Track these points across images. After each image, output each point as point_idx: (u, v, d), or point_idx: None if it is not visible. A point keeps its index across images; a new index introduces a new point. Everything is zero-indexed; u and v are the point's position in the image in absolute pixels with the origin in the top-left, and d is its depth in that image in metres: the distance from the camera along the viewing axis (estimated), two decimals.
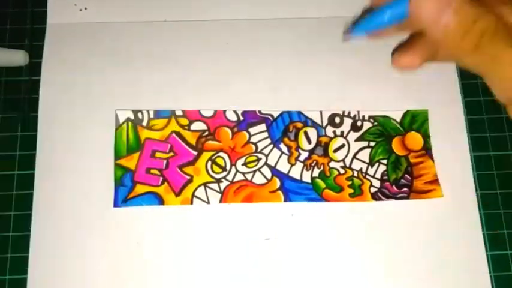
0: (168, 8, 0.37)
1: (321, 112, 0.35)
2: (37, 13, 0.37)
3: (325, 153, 0.34)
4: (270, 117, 0.35)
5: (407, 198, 0.33)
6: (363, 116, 0.35)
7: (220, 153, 0.34)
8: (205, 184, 0.33)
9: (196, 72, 0.35)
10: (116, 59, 0.35)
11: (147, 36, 0.36)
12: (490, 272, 0.33)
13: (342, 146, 0.34)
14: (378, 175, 0.34)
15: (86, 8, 0.37)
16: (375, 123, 0.35)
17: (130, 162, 0.33)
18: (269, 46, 0.36)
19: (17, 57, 0.35)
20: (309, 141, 0.34)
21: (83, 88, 0.35)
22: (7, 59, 0.35)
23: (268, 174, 0.34)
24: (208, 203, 0.33)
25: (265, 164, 0.34)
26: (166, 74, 0.35)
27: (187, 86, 0.35)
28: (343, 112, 0.35)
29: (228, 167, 0.34)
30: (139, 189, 0.33)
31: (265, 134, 0.34)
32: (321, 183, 0.34)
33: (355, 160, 0.34)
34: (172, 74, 0.35)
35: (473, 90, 0.37)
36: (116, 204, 0.32)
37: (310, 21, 0.37)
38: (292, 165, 0.34)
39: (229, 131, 0.34)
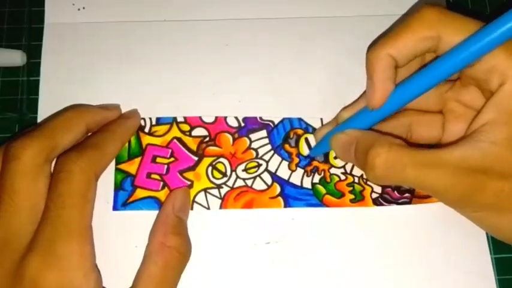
0: (168, 8, 0.37)
1: (321, 119, 0.35)
2: (35, 12, 0.37)
3: (326, 160, 0.34)
4: (270, 123, 0.35)
5: (409, 203, 0.33)
6: None
7: (221, 159, 0.34)
8: (205, 190, 0.33)
9: (196, 74, 0.36)
10: (115, 59, 0.36)
11: (146, 36, 0.36)
12: (494, 276, 0.32)
13: None
14: None
15: (84, 8, 0.37)
16: None
17: (131, 167, 0.33)
18: (271, 47, 0.36)
19: (14, 57, 0.36)
20: (310, 148, 0.34)
21: (82, 89, 0.35)
22: (4, 59, 0.36)
23: (269, 180, 0.34)
24: (208, 208, 0.33)
25: (266, 170, 0.34)
26: (166, 75, 0.36)
27: (188, 88, 0.35)
28: None
29: (228, 173, 0.34)
30: (140, 193, 0.33)
31: (266, 140, 0.34)
32: (322, 189, 0.33)
33: (355, 167, 0.34)
34: (172, 75, 0.36)
35: None
36: (115, 208, 0.32)
37: (314, 20, 0.37)
38: (292, 171, 0.34)
39: (230, 136, 0.34)
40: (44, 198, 0.28)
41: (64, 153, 0.29)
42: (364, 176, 0.34)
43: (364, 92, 0.32)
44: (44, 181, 0.28)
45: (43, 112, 0.34)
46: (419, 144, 0.32)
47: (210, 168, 0.34)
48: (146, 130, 0.34)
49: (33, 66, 0.36)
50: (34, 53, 0.36)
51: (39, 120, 0.34)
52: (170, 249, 0.29)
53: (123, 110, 0.34)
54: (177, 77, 0.36)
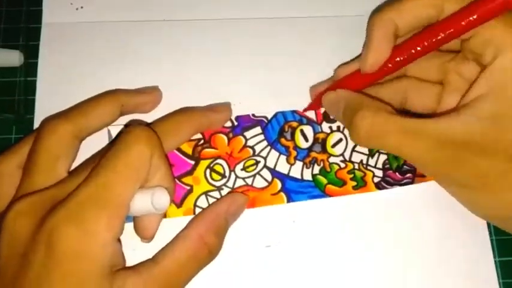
0: (167, 7, 0.37)
1: (315, 111, 0.35)
2: (32, 12, 0.36)
3: (324, 149, 0.34)
4: (264, 119, 0.34)
5: (411, 183, 0.33)
6: None
7: (218, 160, 0.33)
8: (206, 193, 0.32)
9: (196, 75, 0.35)
10: (113, 59, 0.35)
11: (145, 36, 0.36)
12: (498, 279, 0.32)
13: (340, 140, 0.34)
14: (380, 165, 0.33)
15: (82, 7, 0.36)
16: None
17: None
18: (271, 47, 0.36)
19: (11, 57, 0.35)
20: (306, 139, 0.34)
21: (79, 90, 0.34)
22: (2, 59, 0.35)
23: (269, 176, 0.33)
24: None
25: (265, 166, 0.33)
26: (164, 76, 0.35)
27: (187, 90, 0.35)
28: None
29: (227, 174, 0.33)
30: None
31: (262, 137, 0.34)
32: (323, 180, 0.33)
33: (354, 153, 0.34)
34: (170, 76, 0.35)
35: None
36: None
37: (314, 20, 0.37)
38: (291, 165, 0.33)
39: (224, 137, 0.34)
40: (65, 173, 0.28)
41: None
42: (364, 162, 0.33)
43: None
44: (71, 158, 0.29)
45: (40, 113, 0.34)
46: (409, 112, 0.32)
47: (208, 171, 0.33)
48: None
49: (30, 67, 0.35)
50: (31, 53, 0.35)
51: (36, 121, 0.33)
52: (205, 246, 0.28)
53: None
54: (176, 78, 0.35)
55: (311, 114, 0.34)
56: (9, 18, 0.37)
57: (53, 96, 0.34)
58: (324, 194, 0.33)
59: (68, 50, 0.35)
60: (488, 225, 0.33)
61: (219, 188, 0.33)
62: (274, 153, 0.34)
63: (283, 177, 0.33)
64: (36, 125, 0.34)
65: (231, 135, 0.34)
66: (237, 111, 0.34)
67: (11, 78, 0.35)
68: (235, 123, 0.34)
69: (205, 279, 0.30)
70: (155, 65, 0.35)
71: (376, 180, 0.33)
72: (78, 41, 0.36)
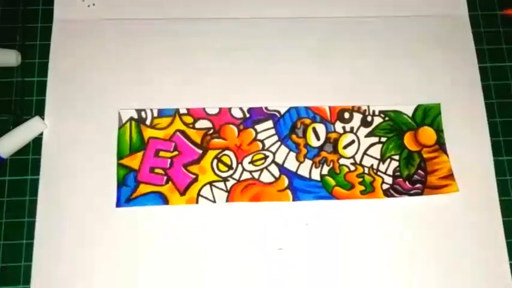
0: (180, 5, 0.36)
1: (329, 107, 0.34)
2: (29, 12, 0.36)
3: (335, 150, 0.33)
4: (277, 113, 0.33)
5: (421, 194, 0.32)
6: (373, 111, 0.34)
7: (226, 151, 0.33)
8: (211, 183, 0.32)
9: (203, 70, 0.34)
10: (123, 56, 0.35)
11: (157, 33, 0.35)
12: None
13: (352, 142, 0.33)
14: (390, 171, 0.33)
15: (94, 4, 0.36)
16: (386, 118, 0.34)
17: (134, 161, 0.32)
18: (289, 47, 0.35)
19: (9, 57, 0.34)
20: (318, 138, 0.33)
21: (88, 86, 0.34)
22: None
23: (276, 172, 0.33)
24: (214, 202, 0.32)
25: (273, 161, 0.33)
26: (174, 72, 0.34)
27: (194, 85, 0.34)
28: (353, 107, 0.34)
29: (234, 166, 0.33)
30: (143, 189, 0.32)
31: (272, 131, 0.33)
32: (331, 181, 0.32)
33: (365, 156, 0.33)
34: (180, 73, 0.34)
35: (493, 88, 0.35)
36: (118, 205, 0.31)
37: (321, 20, 0.36)
38: (300, 162, 0.33)
39: (234, 128, 0.33)
40: None
41: None
42: (375, 166, 0.33)
43: None
44: None
45: (50, 110, 0.33)
46: None
47: (215, 161, 0.32)
48: (148, 123, 0.33)
49: (27, 67, 0.35)
50: (28, 53, 0.35)
51: (47, 119, 0.33)
52: None
53: (128, 107, 0.33)
54: (190, 76, 0.34)
55: (325, 111, 0.34)
56: (6, 18, 0.36)
57: (62, 92, 0.34)
58: (331, 195, 0.32)
59: (79, 47, 0.35)
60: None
61: (224, 179, 0.32)
62: (284, 149, 0.33)
63: (291, 175, 0.32)
64: (47, 121, 0.33)
65: (241, 127, 0.33)
66: (242, 103, 0.34)
67: (7, 78, 0.34)
68: (247, 115, 0.33)
69: (217, 279, 0.30)
70: (167, 62, 0.35)
71: (385, 186, 0.32)
72: (89, 38, 0.35)
